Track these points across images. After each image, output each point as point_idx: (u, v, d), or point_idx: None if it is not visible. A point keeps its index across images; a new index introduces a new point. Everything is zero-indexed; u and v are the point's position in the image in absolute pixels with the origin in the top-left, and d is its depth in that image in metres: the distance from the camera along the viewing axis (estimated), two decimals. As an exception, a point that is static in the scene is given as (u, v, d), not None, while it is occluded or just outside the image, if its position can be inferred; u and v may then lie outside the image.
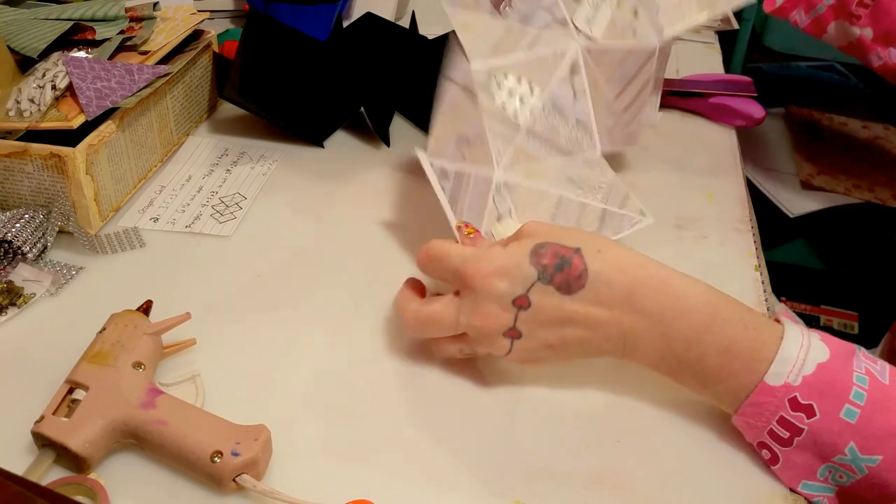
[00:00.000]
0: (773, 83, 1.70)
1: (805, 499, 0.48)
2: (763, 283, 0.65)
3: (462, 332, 0.52)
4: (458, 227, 0.59)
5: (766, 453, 0.48)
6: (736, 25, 1.16)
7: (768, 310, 0.62)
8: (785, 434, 0.47)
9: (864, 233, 1.46)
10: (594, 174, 0.65)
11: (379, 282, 0.64)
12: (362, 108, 0.84)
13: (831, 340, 0.48)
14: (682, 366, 0.49)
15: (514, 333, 0.50)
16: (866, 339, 0.92)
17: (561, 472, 0.49)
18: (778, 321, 0.49)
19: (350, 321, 0.60)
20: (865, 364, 0.47)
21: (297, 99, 0.82)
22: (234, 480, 0.46)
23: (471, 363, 0.57)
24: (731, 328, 0.48)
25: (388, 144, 0.82)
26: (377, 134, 0.83)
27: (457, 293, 0.52)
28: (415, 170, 0.79)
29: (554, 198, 0.63)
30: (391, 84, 0.84)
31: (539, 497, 0.48)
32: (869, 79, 1.71)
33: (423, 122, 0.86)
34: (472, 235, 0.58)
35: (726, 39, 1.17)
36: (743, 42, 1.58)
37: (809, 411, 0.46)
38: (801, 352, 0.46)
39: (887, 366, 0.47)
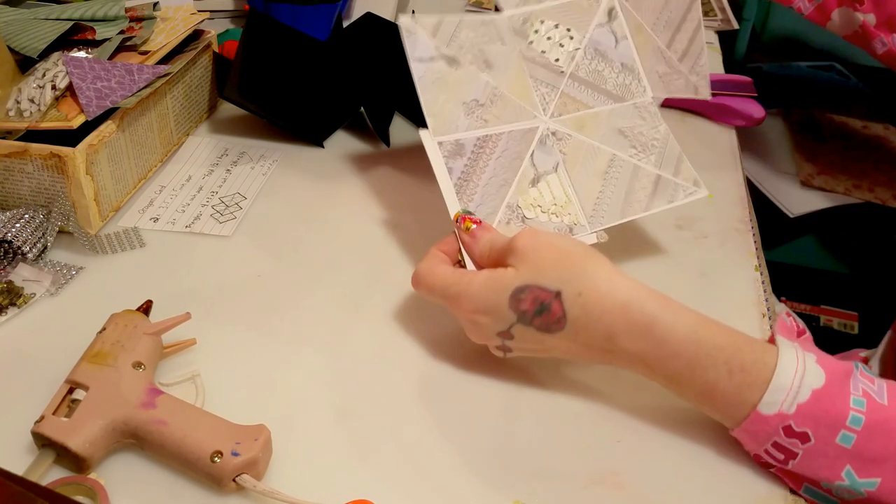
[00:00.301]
0: (773, 83, 1.70)
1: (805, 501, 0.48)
2: (763, 283, 0.65)
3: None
4: (457, 220, 0.58)
5: (765, 460, 0.48)
6: (736, 25, 1.16)
7: (768, 310, 0.62)
8: (780, 456, 0.47)
9: (864, 233, 1.46)
10: (646, 125, 0.63)
11: (379, 282, 0.64)
12: (362, 108, 0.84)
13: (827, 362, 0.47)
14: (670, 387, 0.50)
15: (504, 348, 0.53)
16: (866, 340, 0.91)
17: (561, 472, 0.49)
18: (773, 339, 0.49)
19: (350, 321, 0.60)
20: (863, 385, 0.46)
21: (297, 99, 0.82)
22: (234, 480, 0.46)
23: (473, 363, 0.57)
24: (714, 373, 0.47)
25: (387, 144, 0.82)
26: (377, 134, 0.83)
27: None
28: (415, 170, 0.79)
29: (607, 155, 0.62)
30: (391, 84, 0.84)
31: (539, 497, 0.48)
32: (869, 79, 1.71)
33: (422, 121, 0.86)
34: (471, 230, 0.57)
35: (726, 39, 1.17)
36: (743, 42, 1.58)
37: (804, 438, 0.45)
38: (795, 379, 0.45)
39: (885, 385, 0.46)
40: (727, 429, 0.49)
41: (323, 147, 0.82)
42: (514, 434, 0.52)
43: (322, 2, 0.90)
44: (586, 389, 0.55)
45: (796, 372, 0.46)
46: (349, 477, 0.49)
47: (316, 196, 0.75)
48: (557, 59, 0.63)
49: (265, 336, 0.59)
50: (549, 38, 0.62)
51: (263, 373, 0.56)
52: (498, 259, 0.53)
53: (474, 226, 0.57)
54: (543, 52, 0.62)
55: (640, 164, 0.62)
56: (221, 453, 0.46)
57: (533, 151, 0.60)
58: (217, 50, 0.84)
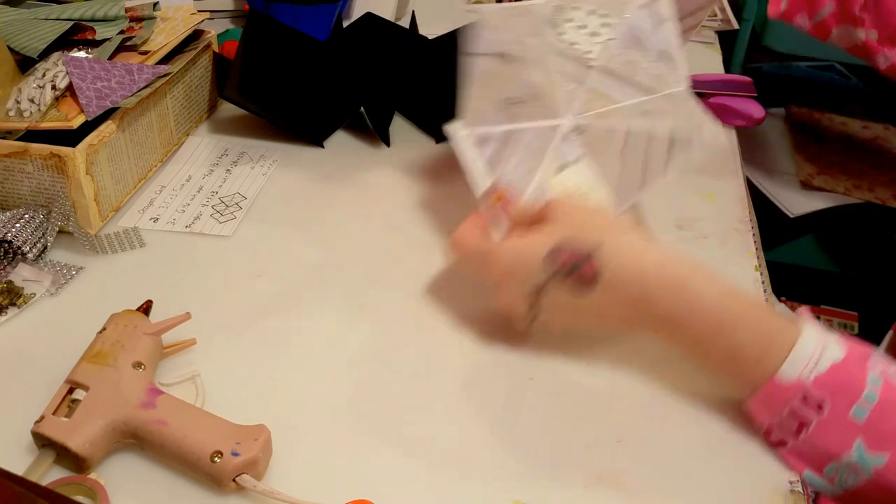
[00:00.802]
0: (773, 83, 1.70)
1: (804, 493, 0.48)
2: (763, 283, 0.65)
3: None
4: (488, 193, 0.58)
5: (776, 434, 0.49)
6: (736, 25, 1.16)
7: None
8: (794, 424, 0.47)
9: (864, 233, 1.46)
10: (673, 106, 0.62)
11: (379, 281, 0.64)
12: (362, 108, 0.84)
13: (848, 341, 0.48)
14: (690, 358, 0.51)
15: (531, 315, 0.54)
16: (866, 340, 0.91)
17: (561, 472, 0.49)
18: (796, 321, 0.50)
19: (350, 321, 0.60)
20: (882, 367, 0.47)
21: (297, 99, 0.82)
22: (234, 480, 0.46)
23: (473, 362, 0.57)
24: (741, 337, 0.48)
25: (388, 144, 0.82)
26: (377, 134, 0.83)
27: None
28: (415, 169, 0.79)
29: (622, 133, 0.61)
30: (391, 84, 0.84)
31: (539, 497, 0.48)
32: (869, 79, 1.71)
33: (423, 121, 0.86)
34: (501, 201, 0.57)
35: (726, 39, 1.17)
36: (743, 42, 1.58)
37: (819, 407, 0.46)
38: (816, 350, 0.47)
39: None
40: (727, 428, 0.50)
41: (323, 147, 0.82)
42: (514, 434, 0.52)
43: (322, 2, 0.90)
44: (586, 389, 0.55)
45: (818, 344, 0.47)
46: (349, 477, 0.49)
47: (316, 196, 0.75)
48: (589, 52, 0.62)
49: (265, 336, 0.59)
50: (582, 28, 0.62)
51: (263, 373, 0.56)
52: (531, 225, 0.54)
53: (505, 198, 0.57)
54: (574, 44, 0.61)
55: (655, 130, 0.61)
56: (221, 453, 0.46)
57: (558, 145, 0.60)
58: (217, 50, 0.85)
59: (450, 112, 0.84)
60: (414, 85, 0.86)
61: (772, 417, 0.48)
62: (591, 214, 0.53)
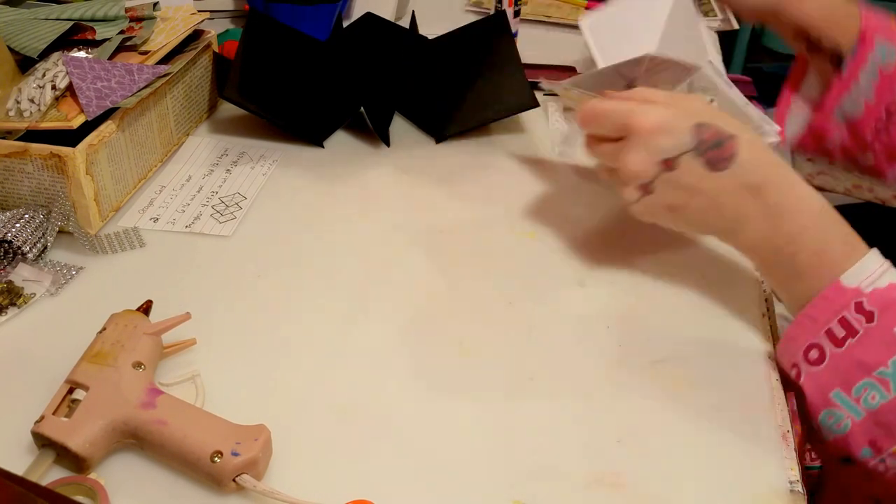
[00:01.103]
0: (773, 83, 1.70)
1: (804, 493, 0.48)
2: (763, 283, 0.65)
3: (611, 154, 0.57)
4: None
5: (813, 353, 0.51)
6: (736, 25, 1.16)
7: (768, 310, 0.62)
8: (841, 333, 0.50)
9: (864, 233, 1.46)
10: None
11: (379, 281, 0.64)
12: (362, 108, 0.84)
13: None
14: (777, 257, 0.54)
15: (646, 189, 0.55)
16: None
17: (561, 472, 0.49)
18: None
19: (350, 321, 0.60)
20: None
21: (297, 99, 0.82)
22: (234, 480, 0.46)
23: (473, 362, 0.57)
24: (831, 235, 0.53)
25: (388, 144, 0.82)
26: (377, 134, 0.83)
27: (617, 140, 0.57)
28: (415, 169, 0.79)
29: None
30: (391, 84, 0.84)
31: (539, 497, 0.48)
32: (869, 79, 1.70)
33: (422, 121, 0.86)
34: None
35: (726, 39, 1.17)
36: (743, 42, 1.58)
37: (870, 317, 0.49)
38: (879, 268, 0.51)
39: None
40: (727, 428, 0.50)
41: (323, 147, 0.82)
42: (514, 434, 0.52)
43: (322, 2, 0.90)
44: (586, 389, 0.55)
45: (882, 264, 0.51)
46: (349, 477, 0.49)
47: (316, 196, 0.75)
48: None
49: (265, 336, 0.59)
50: None
51: (263, 373, 0.56)
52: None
53: None
54: None
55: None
56: (221, 453, 0.46)
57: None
58: (217, 50, 0.85)
59: (450, 112, 0.84)
60: (414, 85, 0.86)
61: (824, 324, 0.51)
62: (727, 116, 0.56)
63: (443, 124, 0.84)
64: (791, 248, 0.53)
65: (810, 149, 0.79)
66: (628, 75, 0.64)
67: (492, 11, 1.02)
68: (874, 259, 0.52)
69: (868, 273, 0.51)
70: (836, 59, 0.74)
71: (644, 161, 0.54)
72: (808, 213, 0.53)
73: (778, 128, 0.69)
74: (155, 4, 0.78)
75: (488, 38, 0.86)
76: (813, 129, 0.77)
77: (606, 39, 0.72)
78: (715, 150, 0.53)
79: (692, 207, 0.55)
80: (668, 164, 0.54)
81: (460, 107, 0.84)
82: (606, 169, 0.59)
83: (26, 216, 0.64)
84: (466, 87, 0.84)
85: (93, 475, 0.47)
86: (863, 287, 0.50)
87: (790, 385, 0.54)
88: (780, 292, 0.56)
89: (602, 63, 0.71)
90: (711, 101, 0.72)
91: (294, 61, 0.82)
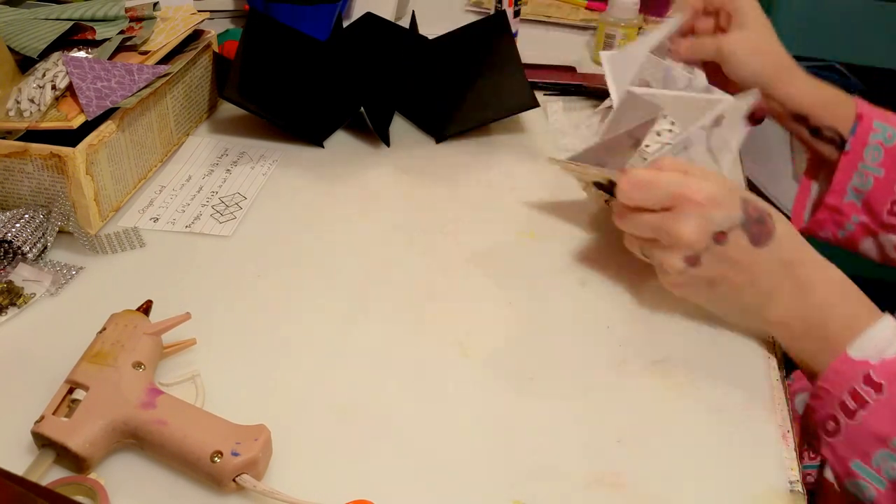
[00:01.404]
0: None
1: (804, 493, 0.48)
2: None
3: (658, 224, 0.55)
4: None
5: (830, 425, 0.51)
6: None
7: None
8: (853, 405, 0.50)
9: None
10: None
11: (379, 282, 0.64)
12: (362, 108, 0.84)
13: None
14: (806, 329, 0.54)
15: (693, 260, 0.55)
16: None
17: (561, 472, 0.49)
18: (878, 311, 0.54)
19: (350, 321, 0.60)
20: None
21: (297, 99, 0.82)
22: (234, 480, 0.46)
23: (473, 362, 0.57)
24: (855, 304, 0.54)
25: (388, 144, 0.82)
26: (377, 134, 0.83)
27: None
28: (415, 169, 0.79)
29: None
30: (391, 84, 0.84)
31: (539, 497, 0.48)
32: (869, 79, 1.71)
33: (422, 121, 0.86)
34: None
35: (726, 39, 1.17)
36: (743, 42, 1.58)
37: (878, 388, 0.49)
38: (887, 337, 0.51)
39: None
40: (727, 427, 0.50)
41: (323, 147, 0.82)
42: (514, 434, 0.52)
43: (322, 2, 0.90)
44: (586, 389, 0.55)
45: (892, 331, 0.51)
46: (349, 477, 0.49)
47: (316, 196, 0.75)
48: (647, 146, 0.69)
49: (265, 336, 0.59)
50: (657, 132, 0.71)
51: (263, 373, 0.56)
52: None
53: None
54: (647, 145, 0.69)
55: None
56: (221, 453, 0.46)
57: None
58: (217, 50, 0.85)
59: (450, 112, 0.84)
60: (414, 85, 0.86)
61: (837, 396, 0.51)
62: (758, 198, 0.57)
63: (443, 124, 0.84)
64: (820, 318, 0.54)
65: (830, 229, 0.79)
66: (637, 136, 0.64)
67: (492, 11, 1.02)
68: (883, 328, 0.52)
69: (875, 344, 0.51)
70: (839, 142, 0.75)
71: (694, 232, 0.53)
72: (833, 284, 0.55)
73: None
74: (155, 4, 0.78)
75: (488, 38, 0.86)
76: (829, 207, 0.77)
77: (622, 74, 0.73)
78: (758, 226, 0.54)
79: (731, 282, 0.55)
80: (720, 237, 0.54)
81: (460, 107, 0.84)
82: (641, 239, 0.58)
83: (26, 216, 0.64)
84: (466, 87, 0.84)
85: (93, 475, 0.47)
86: (870, 359, 0.50)
87: (818, 452, 0.55)
88: (810, 364, 0.55)
89: (616, 97, 0.72)
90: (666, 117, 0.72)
91: (294, 61, 0.82)
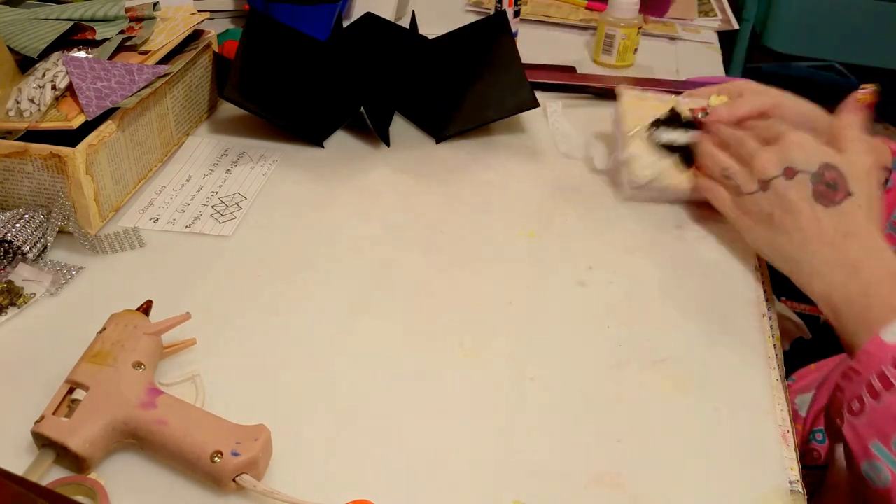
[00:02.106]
0: (773, 83, 1.70)
1: (804, 493, 0.48)
2: (763, 283, 0.65)
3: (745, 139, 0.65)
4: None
5: (855, 405, 0.52)
6: (736, 25, 1.17)
7: (768, 310, 0.62)
8: (879, 387, 0.50)
9: None
10: None
11: (379, 282, 0.64)
12: (362, 108, 0.84)
13: None
14: (849, 308, 0.56)
15: (764, 185, 0.61)
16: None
17: (561, 472, 0.49)
18: None
19: (350, 321, 0.60)
20: None
21: (297, 99, 0.82)
22: (234, 480, 0.46)
23: (473, 362, 0.57)
24: (891, 288, 0.55)
25: (388, 144, 0.82)
26: (377, 134, 0.83)
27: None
28: (415, 170, 0.79)
29: None
30: (391, 84, 0.84)
31: (539, 497, 0.48)
32: (869, 79, 1.71)
33: (422, 121, 0.86)
34: (860, 100, 0.68)
35: (726, 39, 1.17)
36: (743, 42, 1.58)
37: None
38: None
39: None
40: (727, 427, 0.49)
41: (323, 147, 0.82)
42: (514, 434, 0.52)
43: (322, 2, 0.90)
44: (586, 389, 0.55)
45: None
46: (349, 477, 0.49)
47: (316, 196, 0.75)
48: None
49: (265, 336, 0.59)
50: None
51: (263, 373, 0.56)
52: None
53: None
54: None
55: None
56: (221, 453, 0.46)
57: None
58: (217, 50, 0.84)
59: (450, 112, 0.84)
60: (414, 85, 0.86)
61: (866, 377, 0.51)
62: (862, 174, 0.60)
63: (443, 124, 0.84)
64: (863, 298, 0.55)
65: None
66: None
67: (492, 11, 1.02)
68: None
69: None
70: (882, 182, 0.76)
71: (772, 161, 0.61)
72: (883, 268, 0.56)
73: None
74: (155, 4, 0.78)
75: (488, 38, 0.86)
76: None
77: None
78: (824, 187, 0.59)
79: (786, 226, 0.60)
80: (789, 172, 0.60)
81: (460, 107, 0.84)
82: (725, 152, 0.66)
83: (26, 216, 0.64)
84: (466, 87, 0.84)
85: (93, 475, 0.47)
86: None
87: (836, 436, 0.55)
88: (850, 341, 0.56)
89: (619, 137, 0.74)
90: None
91: (294, 61, 0.82)
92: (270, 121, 0.82)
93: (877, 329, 0.53)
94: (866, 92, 0.65)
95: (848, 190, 0.59)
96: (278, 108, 0.81)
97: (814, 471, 0.71)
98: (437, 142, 0.83)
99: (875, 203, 0.60)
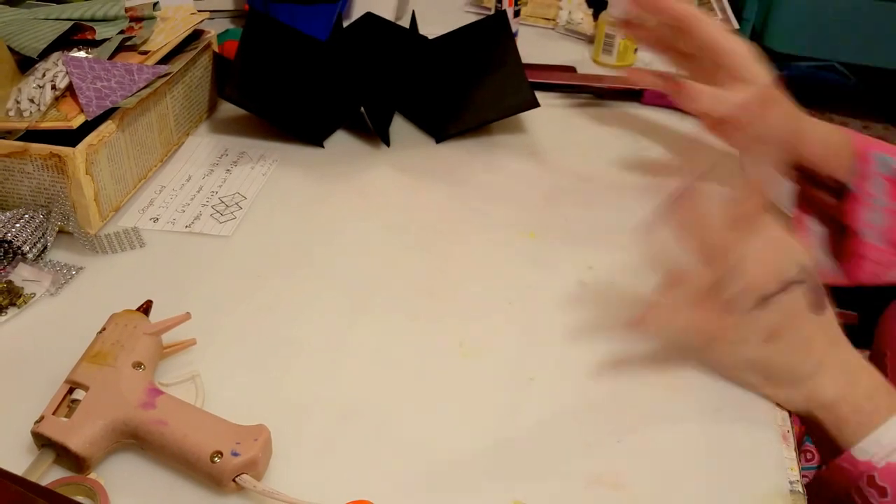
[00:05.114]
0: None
1: (803, 493, 0.48)
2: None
3: (724, 263, 0.52)
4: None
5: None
6: (736, 25, 1.16)
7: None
8: (859, 503, 0.51)
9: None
10: None
11: (378, 281, 0.64)
12: (362, 108, 0.84)
13: None
14: (852, 413, 0.52)
15: (763, 302, 0.51)
16: (866, 339, 0.91)
17: (561, 472, 0.49)
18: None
19: (350, 321, 0.60)
20: None
21: (296, 99, 0.82)
22: (234, 480, 0.46)
23: (472, 362, 0.57)
24: (867, 405, 0.52)
25: (388, 144, 0.82)
26: (377, 134, 0.83)
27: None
28: (415, 170, 0.79)
29: None
30: (391, 84, 0.84)
31: (539, 497, 0.48)
32: (869, 79, 1.71)
33: (423, 121, 0.86)
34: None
35: (726, 39, 1.17)
36: (743, 42, 1.58)
37: (882, 492, 0.49)
38: (892, 442, 0.50)
39: None
40: (727, 428, 0.50)
41: (323, 147, 0.82)
42: (514, 434, 0.52)
43: (322, 2, 0.90)
44: (586, 390, 0.55)
45: None
46: (349, 477, 0.49)
47: (316, 196, 0.75)
48: None
49: (265, 336, 0.59)
50: None
51: (263, 373, 0.56)
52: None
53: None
54: None
55: None
56: (221, 453, 0.46)
57: None
58: (217, 50, 0.84)
59: (450, 112, 0.84)
60: (414, 85, 0.86)
61: (845, 488, 0.51)
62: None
63: (443, 124, 0.84)
64: (868, 407, 0.52)
65: (866, 280, 0.75)
66: None
67: (492, 11, 1.02)
68: (891, 429, 0.51)
69: (882, 446, 0.50)
70: (837, 189, 0.73)
71: (771, 275, 0.52)
72: (876, 374, 0.54)
73: None
74: (155, 4, 0.78)
75: (489, 38, 0.86)
76: (855, 254, 0.73)
77: None
78: (816, 294, 0.53)
79: (787, 339, 0.52)
80: (787, 285, 0.51)
81: (461, 107, 0.84)
82: (711, 260, 0.53)
83: (26, 216, 0.64)
84: (467, 87, 0.84)
85: (93, 475, 0.47)
86: (875, 461, 0.50)
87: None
88: (836, 440, 0.53)
89: None
90: None
91: (294, 61, 0.82)
92: (270, 121, 0.82)
93: (848, 444, 0.51)
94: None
95: (823, 288, 0.54)
96: (278, 108, 0.81)
97: (808, 471, 0.71)
98: (438, 141, 0.83)
99: None
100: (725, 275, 0.52)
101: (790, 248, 0.53)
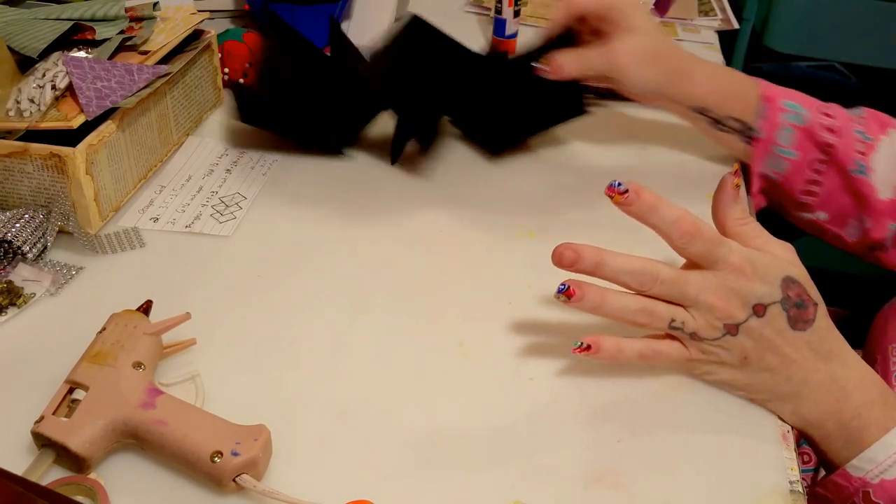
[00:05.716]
0: (773, 83, 1.70)
1: (803, 493, 0.48)
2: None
3: (681, 305, 0.52)
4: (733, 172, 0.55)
5: None
6: (736, 25, 1.16)
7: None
8: None
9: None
10: None
11: (378, 281, 0.64)
12: (395, 117, 0.78)
13: None
14: (839, 431, 0.52)
15: (733, 329, 0.51)
16: (858, 337, 0.92)
17: (561, 472, 0.49)
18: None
19: (350, 321, 0.60)
20: None
21: (317, 113, 0.79)
22: (234, 480, 0.46)
23: (472, 362, 0.57)
24: (892, 413, 0.51)
25: (393, 162, 0.79)
26: (393, 146, 0.79)
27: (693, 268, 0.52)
28: (415, 170, 0.79)
29: None
30: (438, 92, 0.79)
31: (539, 497, 0.48)
32: (869, 79, 1.71)
33: (477, 135, 0.83)
34: (738, 185, 0.55)
35: (726, 39, 1.17)
36: (743, 42, 1.58)
37: None
38: (888, 458, 0.50)
39: None
40: (727, 428, 0.50)
41: (342, 153, 0.81)
42: (514, 434, 0.52)
43: (322, 2, 0.90)
44: (586, 390, 0.55)
45: (893, 453, 0.50)
46: (349, 477, 0.49)
47: (316, 196, 0.75)
48: None
49: (265, 336, 0.59)
50: None
51: (263, 373, 0.56)
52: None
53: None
54: None
55: None
56: (221, 453, 0.46)
57: None
58: (216, 50, 0.84)
59: (512, 127, 0.81)
60: (477, 100, 0.80)
61: (837, 500, 0.51)
62: (812, 283, 0.53)
63: (501, 139, 0.81)
64: (858, 423, 0.51)
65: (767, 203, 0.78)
66: None
67: (492, 11, 1.02)
68: (887, 445, 0.50)
69: (877, 462, 0.50)
70: (743, 131, 0.73)
71: (735, 300, 0.50)
72: (871, 388, 0.52)
73: None
74: (155, 4, 0.78)
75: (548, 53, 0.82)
76: (756, 195, 0.76)
77: None
78: (797, 310, 0.51)
79: (764, 363, 0.51)
80: (759, 309, 0.50)
81: (521, 120, 0.81)
82: (669, 304, 0.52)
83: (26, 216, 0.64)
84: (531, 101, 0.80)
85: (93, 475, 0.47)
86: (869, 478, 0.50)
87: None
88: (835, 460, 0.53)
89: None
90: None
91: (309, 75, 0.79)
92: (296, 141, 0.80)
93: (841, 459, 0.52)
94: (737, 175, 0.55)
95: (813, 300, 0.52)
96: (300, 125, 0.79)
97: (805, 473, 0.71)
98: (494, 154, 0.81)
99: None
100: (687, 310, 0.51)
101: (762, 269, 0.50)
